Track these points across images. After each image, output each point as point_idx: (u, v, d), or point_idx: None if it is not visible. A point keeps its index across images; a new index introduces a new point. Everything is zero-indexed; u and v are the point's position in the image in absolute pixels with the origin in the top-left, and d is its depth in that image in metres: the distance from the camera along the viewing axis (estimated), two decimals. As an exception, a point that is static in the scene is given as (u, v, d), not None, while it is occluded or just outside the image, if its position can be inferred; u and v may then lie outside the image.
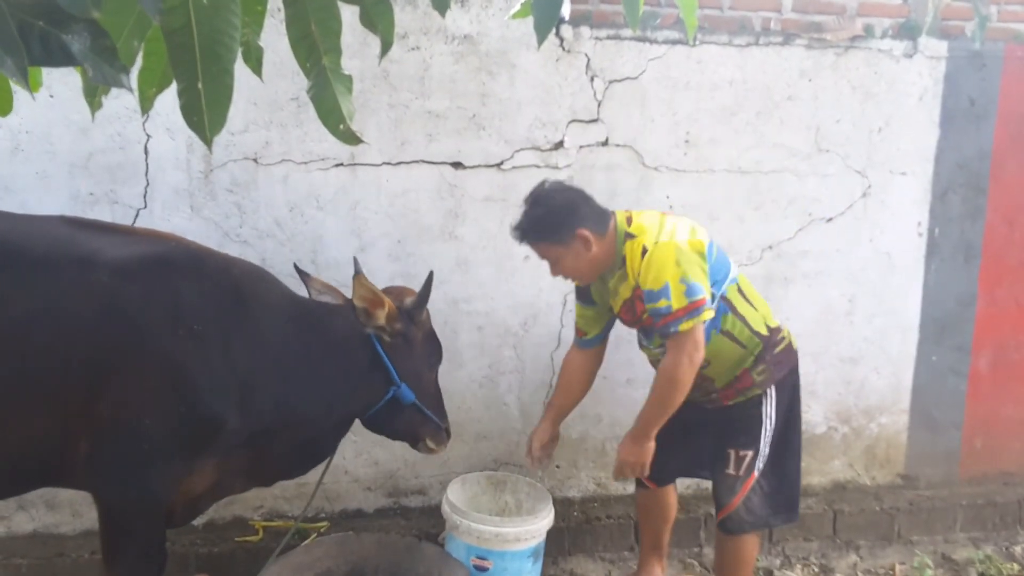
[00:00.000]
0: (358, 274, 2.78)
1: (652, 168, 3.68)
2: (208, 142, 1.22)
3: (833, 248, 3.92)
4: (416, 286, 3.52)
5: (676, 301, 2.70)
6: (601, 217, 2.92)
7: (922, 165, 3.95)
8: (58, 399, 2.30)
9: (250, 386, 2.53)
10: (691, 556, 3.89)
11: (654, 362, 3.06)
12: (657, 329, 2.82)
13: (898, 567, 3.85)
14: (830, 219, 3.90)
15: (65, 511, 3.40)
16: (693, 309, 2.71)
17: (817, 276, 3.93)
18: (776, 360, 2.99)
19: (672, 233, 2.81)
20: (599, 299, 3.08)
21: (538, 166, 3.59)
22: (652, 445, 2.96)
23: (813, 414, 4.04)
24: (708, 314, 2.75)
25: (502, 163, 3.56)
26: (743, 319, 2.94)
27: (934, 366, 4.13)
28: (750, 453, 2.99)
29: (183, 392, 2.41)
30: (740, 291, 2.97)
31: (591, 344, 3.22)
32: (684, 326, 2.72)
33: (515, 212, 3.56)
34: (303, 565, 3.23)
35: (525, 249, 3.60)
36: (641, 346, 3.16)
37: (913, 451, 4.19)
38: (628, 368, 3.69)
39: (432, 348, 3.04)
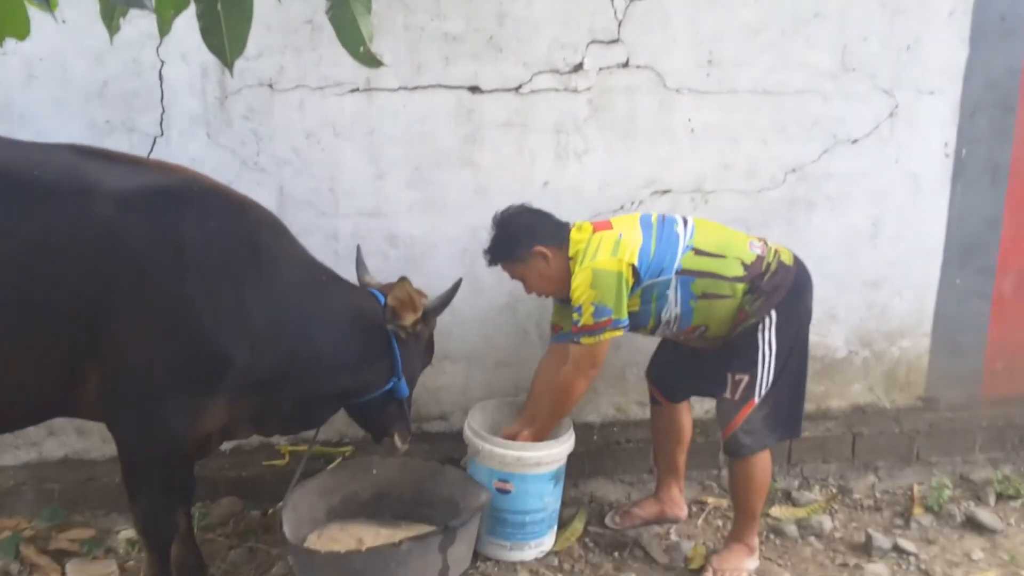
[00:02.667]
0: (404, 279, 2.83)
1: (674, 90, 3.60)
2: (229, 65, 1.20)
3: (858, 170, 3.85)
4: (434, 214, 3.54)
5: (584, 319, 2.94)
6: (559, 232, 3.13)
7: (950, 84, 3.84)
8: (65, 334, 2.27)
9: (261, 332, 2.52)
10: (710, 479, 3.94)
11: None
12: (572, 335, 3.02)
13: (916, 487, 3.88)
14: (855, 141, 3.82)
15: (95, 437, 3.47)
16: (596, 328, 2.93)
17: (841, 199, 3.87)
18: (770, 286, 3.01)
19: (595, 253, 2.95)
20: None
21: (557, 89, 3.52)
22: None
23: (834, 338, 4.04)
24: (610, 335, 2.95)
25: (520, 87, 3.49)
26: (713, 274, 2.98)
27: (957, 289, 4.09)
28: (746, 378, 3.04)
29: (189, 329, 2.38)
30: (698, 252, 3.00)
31: (566, 338, 3.27)
32: (585, 340, 2.96)
33: (535, 137, 3.55)
34: (329, 488, 3.30)
35: (545, 174, 3.61)
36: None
37: (934, 374, 4.18)
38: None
39: (430, 350, 3.17)
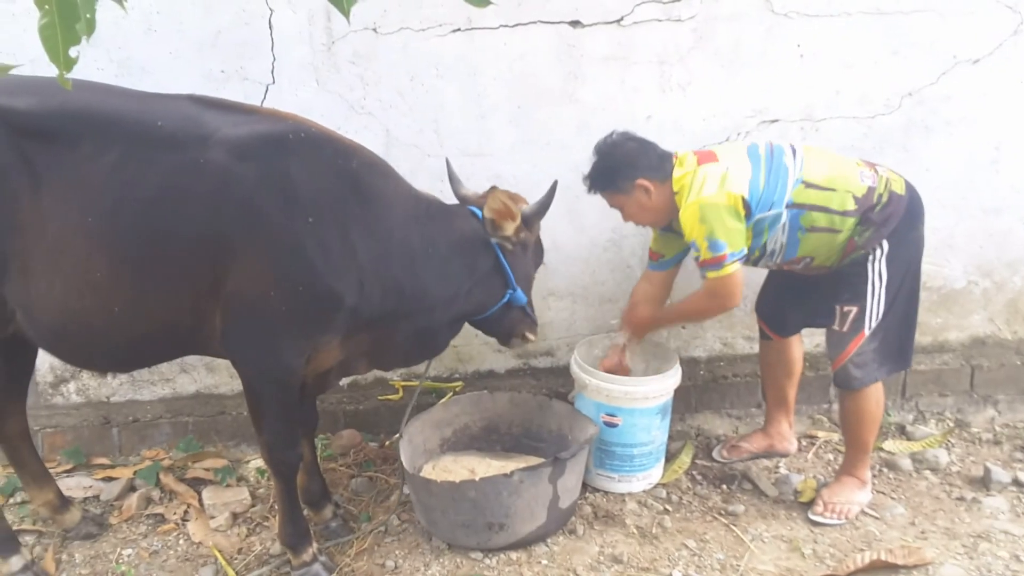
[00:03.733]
0: (495, 188, 2.83)
1: (782, 15, 3.47)
2: (346, 12, 1.21)
3: (979, 92, 3.65)
4: (536, 152, 3.55)
5: (703, 254, 2.91)
6: (662, 165, 3.05)
7: (1084, -5, 3.59)
8: (190, 274, 2.42)
9: (369, 272, 2.58)
10: (820, 412, 3.90)
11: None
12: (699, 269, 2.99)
13: (1038, 421, 3.76)
14: (976, 61, 3.61)
15: (223, 373, 3.68)
16: (716, 262, 2.89)
17: (960, 123, 3.69)
18: (881, 217, 2.92)
19: (700, 189, 2.90)
20: (678, 226, 3.07)
21: (659, 20, 3.45)
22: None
23: (951, 268, 3.89)
24: (731, 267, 2.89)
25: (622, 19, 3.43)
26: (823, 208, 2.91)
27: (1085, 214, 3.87)
28: (855, 309, 2.98)
29: (301, 271, 2.46)
30: (809, 185, 2.91)
31: (665, 266, 3.27)
32: (711, 274, 2.93)
33: (637, 70, 3.50)
34: (442, 421, 3.42)
35: (647, 108, 3.56)
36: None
37: (1060, 304, 4.00)
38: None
39: (539, 251, 3.13)
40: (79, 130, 2.36)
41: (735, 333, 3.93)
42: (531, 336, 3.11)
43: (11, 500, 3.30)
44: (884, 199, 2.93)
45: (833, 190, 2.92)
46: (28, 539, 3.08)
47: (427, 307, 2.78)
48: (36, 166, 2.33)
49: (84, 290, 2.40)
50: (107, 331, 2.49)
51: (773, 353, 3.44)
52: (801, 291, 3.22)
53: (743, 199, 2.87)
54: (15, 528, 3.01)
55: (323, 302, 2.52)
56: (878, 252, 2.94)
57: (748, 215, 2.90)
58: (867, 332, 2.99)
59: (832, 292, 3.05)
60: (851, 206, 2.91)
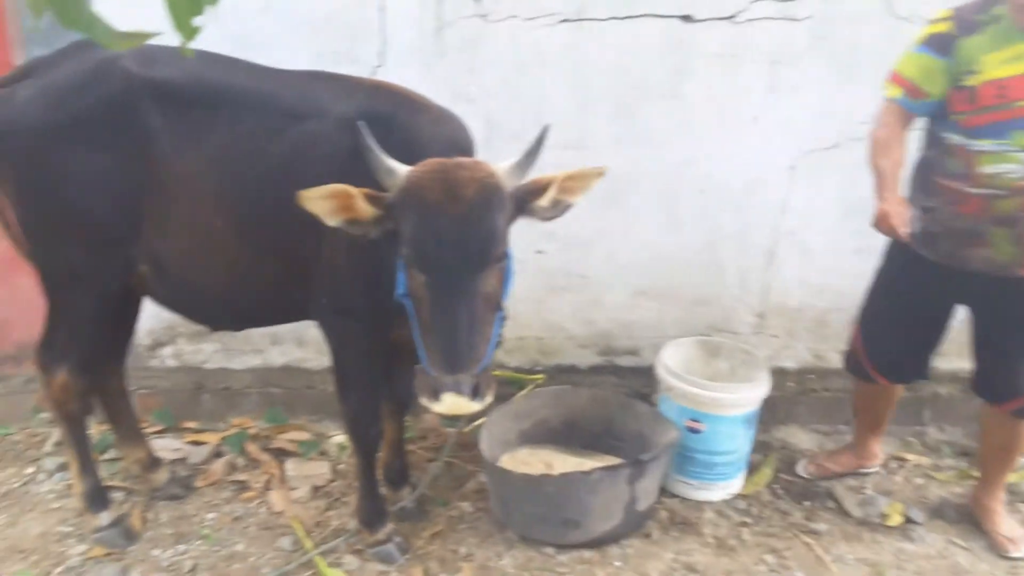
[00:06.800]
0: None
1: (903, 18, 3.33)
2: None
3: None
4: (636, 149, 3.50)
5: None
6: None
7: None
8: (301, 240, 2.49)
9: None
10: (911, 435, 3.76)
11: (990, 182, 2.57)
12: None
13: None
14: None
15: (312, 348, 3.75)
16: None
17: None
18: None
19: None
20: (964, 57, 2.57)
21: (774, 18, 3.35)
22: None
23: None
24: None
25: (735, 15, 3.34)
26: None
27: None
28: None
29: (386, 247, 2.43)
30: None
31: (922, 110, 2.70)
32: None
33: (747, 69, 3.42)
34: (522, 413, 3.41)
35: (754, 110, 3.46)
36: (972, 153, 2.59)
37: None
38: (858, 237, 3.46)
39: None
40: (215, 100, 2.47)
41: (828, 346, 3.81)
42: None
43: (103, 457, 3.43)
44: None
45: None
46: (117, 495, 3.20)
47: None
48: (175, 132, 2.46)
49: (211, 250, 2.54)
50: (229, 290, 2.64)
51: (877, 392, 3.26)
52: (937, 327, 2.97)
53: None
54: (106, 484, 3.13)
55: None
56: None
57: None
58: None
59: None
60: None
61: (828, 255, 3.68)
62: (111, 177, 2.47)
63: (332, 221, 2.19)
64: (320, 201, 2.15)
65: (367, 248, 2.44)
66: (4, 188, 2.60)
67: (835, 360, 3.81)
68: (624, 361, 3.87)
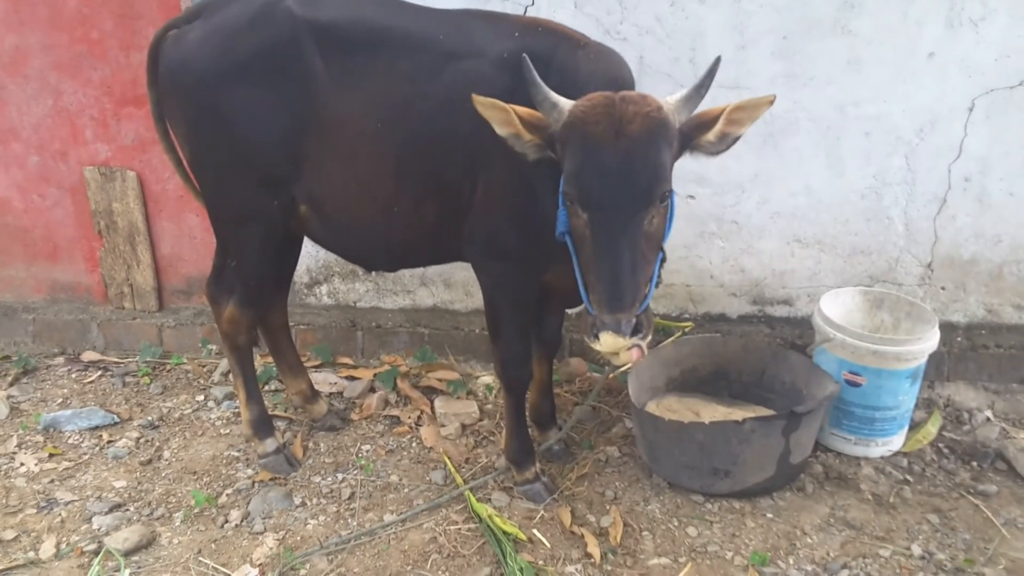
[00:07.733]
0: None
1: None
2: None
3: None
4: (798, 89, 3.34)
5: None
6: None
7: None
8: (458, 179, 2.51)
9: None
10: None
11: None
12: None
13: None
14: None
15: (459, 290, 3.80)
16: None
17: None
18: None
19: None
20: None
21: (958, -56, 3.09)
22: None
23: None
24: None
25: (913, -58, 3.11)
26: None
27: None
28: None
29: (536, 190, 2.42)
30: None
31: None
32: None
33: (922, 1, 3.17)
34: (670, 360, 3.36)
35: (929, 44, 3.23)
36: None
37: None
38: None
39: None
40: (375, 41, 2.50)
41: (1003, 299, 3.56)
42: None
43: (266, 388, 3.61)
44: None
45: None
46: (280, 424, 3.37)
47: None
48: (337, 73, 2.50)
49: (368, 192, 2.58)
50: (385, 232, 2.67)
51: None
52: None
53: None
54: (270, 413, 3.29)
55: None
56: None
57: None
58: None
59: None
60: None
61: (1008, 204, 3.41)
62: (275, 116, 2.54)
63: (500, 131, 2.19)
64: (485, 110, 2.15)
65: (524, 189, 2.44)
66: (176, 127, 2.74)
67: (1010, 315, 3.57)
68: (777, 311, 3.74)
